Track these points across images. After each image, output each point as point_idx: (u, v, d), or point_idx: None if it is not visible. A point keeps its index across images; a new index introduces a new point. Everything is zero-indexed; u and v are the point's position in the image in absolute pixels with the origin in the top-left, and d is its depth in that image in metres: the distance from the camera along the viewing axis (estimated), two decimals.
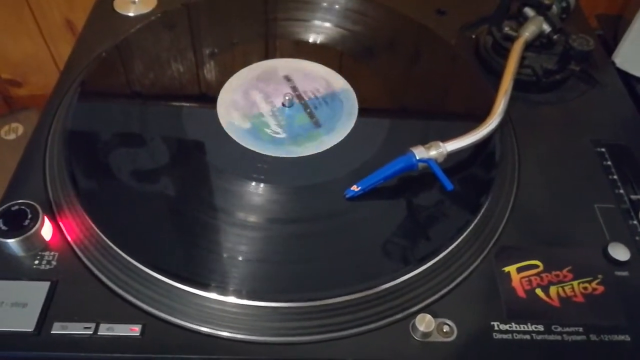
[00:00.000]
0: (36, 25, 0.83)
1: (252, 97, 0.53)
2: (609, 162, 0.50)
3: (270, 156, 0.48)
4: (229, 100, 0.53)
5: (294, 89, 0.54)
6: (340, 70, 0.57)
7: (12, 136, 0.86)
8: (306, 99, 0.53)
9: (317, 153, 0.49)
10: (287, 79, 0.55)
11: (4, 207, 0.42)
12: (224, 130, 0.50)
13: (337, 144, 0.49)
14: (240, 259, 0.41)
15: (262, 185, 0.46)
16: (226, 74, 0.55)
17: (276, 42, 0.61)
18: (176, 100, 0.53)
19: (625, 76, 0.60)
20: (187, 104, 0.53)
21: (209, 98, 0.53)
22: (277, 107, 0.52)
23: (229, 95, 0.53)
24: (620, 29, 0.64)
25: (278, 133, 0.50)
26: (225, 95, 0.53)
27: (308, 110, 0.52)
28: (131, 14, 0.63)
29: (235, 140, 0.49)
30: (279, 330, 0.38)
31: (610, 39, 0.65)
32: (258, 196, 0.45)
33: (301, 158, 0.48)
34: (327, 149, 0.49)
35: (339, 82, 0.55)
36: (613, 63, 0.61)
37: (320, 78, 0.55)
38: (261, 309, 0.39)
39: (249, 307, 0.39)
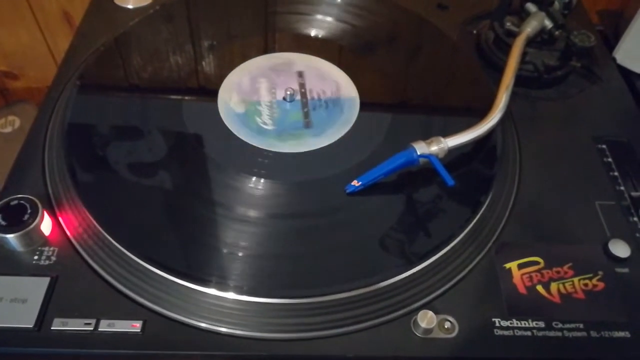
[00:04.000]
0: (33, 17, 0.82)
1: (258, 84, 0.53)
2: (610, 159, 0.50)
3: (251, 145, 0.48)
4: (235, 83, 0.53)
5: (302, 85, 0.54)
6: (339, 63, 0.56)
7: (8, 129, 0.85)
8: (308, 98, 0.53)
9: (295, 152, 0.48)
10: (300, 74, 0.55)
11: (3, 201, 0.41)
12: (220, 116, 0.50)
13: (321, 147, 0.49)
14: (240, 254, 0.41)
15: (262, 180, 0.46)
16: (226, 66, 0.55)
17: (275, 35, 0.61)
18: (176, 93, 0.53)
19: (625, 72, 0.60)
20: (187, 97, 0.53)
21: (209, 91, 0.53)
22: (277, 99, 0.52)
23: (236, 77, 0.54)
24: (621, 26, 0.64)
25: (266, 124, 0.50)
26: (233, 77, 0.53)
27: (305, 110, 0.51)
28: (130, 6, 0.62)
29: (225, 124, 0.49)
30: (280, 327, 0.38)
31: (611, 35, 0.65)
32: (257, 190, 0.45)
33: (278, 154, 0.48)
34: (308, 151, 0.48)
35: (348, 90, 0.54)
36: (614, 59, 0.61)
37: (332, 81, 0.55)
38: (262, 305, 0.39)
39: (250, 303, 0.39)
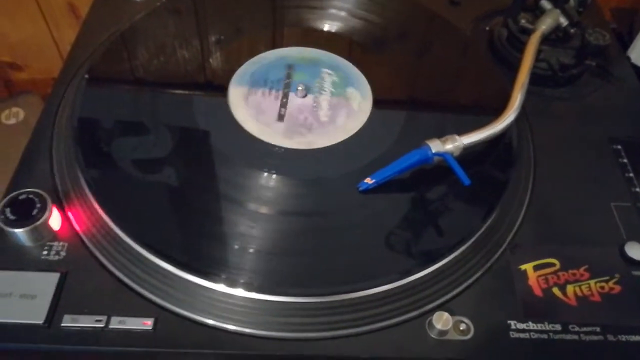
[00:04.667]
0: (38, 7, 0.81)
1: (272, 77, 0.53)
2: (625, 160, 0.50)
3: (261, 140, 0.47)
4: (247, 75, 0.53)
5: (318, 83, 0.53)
6: (350, 58, 0.56)
7: (12, 121, 0.84)
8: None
9: (305, 149, 0.47)
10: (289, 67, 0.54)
11: (11, 195, 0.41)
12: (230, 110, 0.49)
13: (331, 145, 0.48)
14: (251, 250, 0.40)
15: (274, 176, 0.45)
16: (234, 61, 0.54)
17: (284, 29, 0.60)
18: (186, 87, 0.52)
19: None
20: (197, 91, 0.52)
21: (219, 85, 0.52)
22: (289, 94, 0.52)
23: (249, 69, 0.53)
24: (635, 24, 0.63)
25: (277, 120, 0.49)
26: (246, 69, 0.53)
27: (314, 106, 0.51)
28: None
29: (235, 119, 0.49)
30: (297, 326, 0.38)
31: (625, 33, 0.64)
32: (270, 186, 0.45)
33: (288, 150, 0.47)
34: (319, 148, 0.47)
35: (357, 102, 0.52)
36: (628, 58, 0.60)
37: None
38: (275, 303, 0.38)
39: (263, 302, 0.38)
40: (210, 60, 0.55)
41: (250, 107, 0.50)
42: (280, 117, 0.50)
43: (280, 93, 0.52)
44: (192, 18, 0.59)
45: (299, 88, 0.51)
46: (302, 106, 0.51)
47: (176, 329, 0.37)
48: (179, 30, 0.57)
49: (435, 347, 0.38)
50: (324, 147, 0.47)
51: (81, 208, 0.42)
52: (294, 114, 0.50)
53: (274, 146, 0.47)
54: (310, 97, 0.51)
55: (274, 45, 0.57)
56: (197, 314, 0.38)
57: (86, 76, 0.51)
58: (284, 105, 0.51)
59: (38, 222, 0.40)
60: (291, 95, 0.52)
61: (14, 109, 0.84)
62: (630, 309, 0.40)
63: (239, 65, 0.54)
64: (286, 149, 0.47)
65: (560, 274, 0.42)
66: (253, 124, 0.49)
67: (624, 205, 0.46)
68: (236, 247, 0.40)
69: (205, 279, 0.38)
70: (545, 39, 0.55)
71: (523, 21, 0.56)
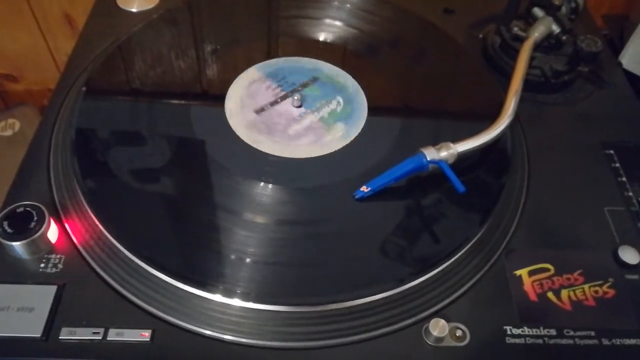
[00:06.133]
0: (34, 19, 0.81)
1: (268, 87, 0.53)
2: (618, 164, 0.50)
3: (256, 149, 0.48)
4: (244, 85, 0.53)
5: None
6: (344, 67, 0.56)
7: (8, 132, 0.84)
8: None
9: (301, 158, 0.47)
10: (314, 79, 0.55)
11: (9, 209, 0.41)
12: (227, 120, 0.50)
13: (325, 154, 0.48)
14: (247, 260, 0.41)
15: (270, 186, 0.45)
16: (232, 71, 0.55)
17: (279, 39, 0.60)
18: (183, 98, 0.53)
19: (631, 77, 0.60)
20: (195, 101, 0.52)
21: (216, 95, 0.52)
22: (285, 104, 0.52)
23: (247, 79, 0.54)
24: (626, 30, 0.64)
25: (273, 128, 0.50)
26: (244, 79, 0.54)
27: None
28: (134, 10, 0.61)
29: (231, 128, 0.49)
30: (293, 335, 0.38)
31: (617, 40, 0.65)
32: (266, 196, 0.45)
33: (283, 159, 0.47)
34: (314, 157, 0.48)
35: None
36: (619, 64, 0.61)
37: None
38: (272, 313, 0.38)
39: (260, 312, 0.38)
40: (209, 69, 0.55)
41: (247, 90, 0.52)
42: (260, 110, 0.51)
43: (282, 93, 0.52)
44: (188, 29, 0.59)
45: (296, 97, 0.51)
46: (286, 113, 0.51)
47: (174, 340, 0.37)
48: (175, 41, 0.57)
49: (432, 354, 0.38)
50: (317, 157, 0.48)
51: (78, 220, 0.42)
52: (273, 114, 0.51)
53: (270, 155, 0.48)
54: (302, 109, 0.52)
55: (268, 54, 0.57)
56: (194, 325, 0.38)
57: (84, 88, 0.51)
58: (273, 103, 0.51)
59: (35, 235, 0.40)
60: (288, 99, 0.52)
61: (10, 120, 0.85)
62: (624, 312, 0.41)
63: (237, 74, 0.54)
64: (282, 158, 0.47)
65: (554, 278, 0.42)
66: (236, 102, 0.50)
67: (617, 209, 0.47)
68: (232, 257, 0.41)
69: (202, 290, 0.38)
70: (538, 46, 0.56)
71: (516, 29, 0.57)
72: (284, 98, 0.52)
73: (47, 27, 0.83)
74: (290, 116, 0.51)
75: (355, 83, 0.55)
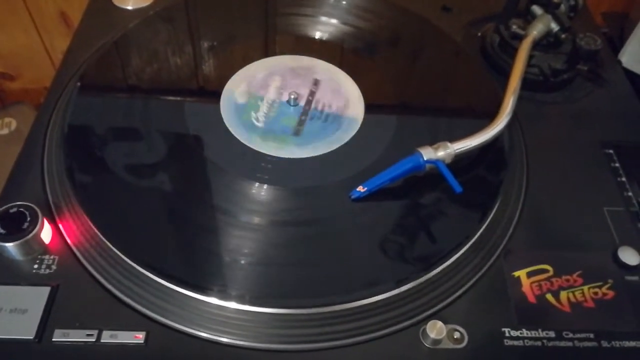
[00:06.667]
0: (30, 17, 0.81)
1: (271, 81, 0.53)
2: (617, 164, 0.50)
3: (234, 137, 0.48)
4: (249, 74, 0.53)
5: (312, 93, 0.53)
6: (341, 65, 0.56)
7: (5, 131, 0.84)
8: (312, 107, 0.52)
9: (268, 155, 0.47)
10: (315, 82, 0.54)
11: (1, 209, 0.40)
12: (221, 116, 0.50)
13: (298, 158, 0.47)
14: (243, 262, 0.40)
15: (265, 186, 0.45)
16: (228, 68, 0.54)
17: (276, 37, 0.60)
18: (178, 94, 0.52)
19: (631, 75, 0.60)
20: (190, 98, 0.52)
21: (211, 92, 0.52)
22: (281, 100, 0.52)
23: (252, 70, 0.54)
24: (626, 28, 0.63)
25: (258, 121, 0.49)
26: (251, 68, 0.54)
27: (302, 117, 0.50)
28: (129, 7, 0.61)
29: (224, 123, 0.49)
30: (289, 338, 0.37)
31: (616, 38, 0.65)
32: (261, 196, 0.44)
33: (257, 153, 0.47)
34: (285, 158, 0.47)
35: (355, 110, 0.51)
36: (619, 62, 0.61)
37: (344, 97, 0.53)
38: (268, 315, 0.38)
39: (256, 314, 0.38)
40: (204, 66, 0.55)
41: (243, 88, 0.52)
42: (262, 119, 0.50)
43: (279, 91, 0.52)
44: (184, 26, 0.59)
45: (292, 96, 0.51)
46: (275, 103, 0.51)
47: (168, 343, 0.37)
48: (171, 38, 0.57)
49: (429, 356, 0.37)
50: (315, 156, 0.47)
51: (72, 220, 0.42)
52: (275, 118, 0.50)
53: (266, 155, 0.47)
54: (300, 107, 0.51)
55: (265, 51, 0.57)
56: (190, 327, 0.37)
57: (78, 84, 0.50)
58: (270, 101, 0.51)
59: (29, 236, 0.39)
60: (285, 98, 0.52)
61: (7, 119, 0.84)
62: (624, 314, 0.40)
63: (232, 71, 0.54)
64: (277, 158, 0.47)
65: (553, 280, 0.41)
66: (232, 100, 0.51)
67: (617, 209, 0.46)
68: (227, 259, 0.40)
69: (197, 292, 0.38)
70: (537, 45, 0.55)
71: (514, 27, 0.56)
72: (280, 96, 0.52)
73: (43, 26, 0.82)
74: (276, 106, 0.51)
75: (352, 81, 0.54)
